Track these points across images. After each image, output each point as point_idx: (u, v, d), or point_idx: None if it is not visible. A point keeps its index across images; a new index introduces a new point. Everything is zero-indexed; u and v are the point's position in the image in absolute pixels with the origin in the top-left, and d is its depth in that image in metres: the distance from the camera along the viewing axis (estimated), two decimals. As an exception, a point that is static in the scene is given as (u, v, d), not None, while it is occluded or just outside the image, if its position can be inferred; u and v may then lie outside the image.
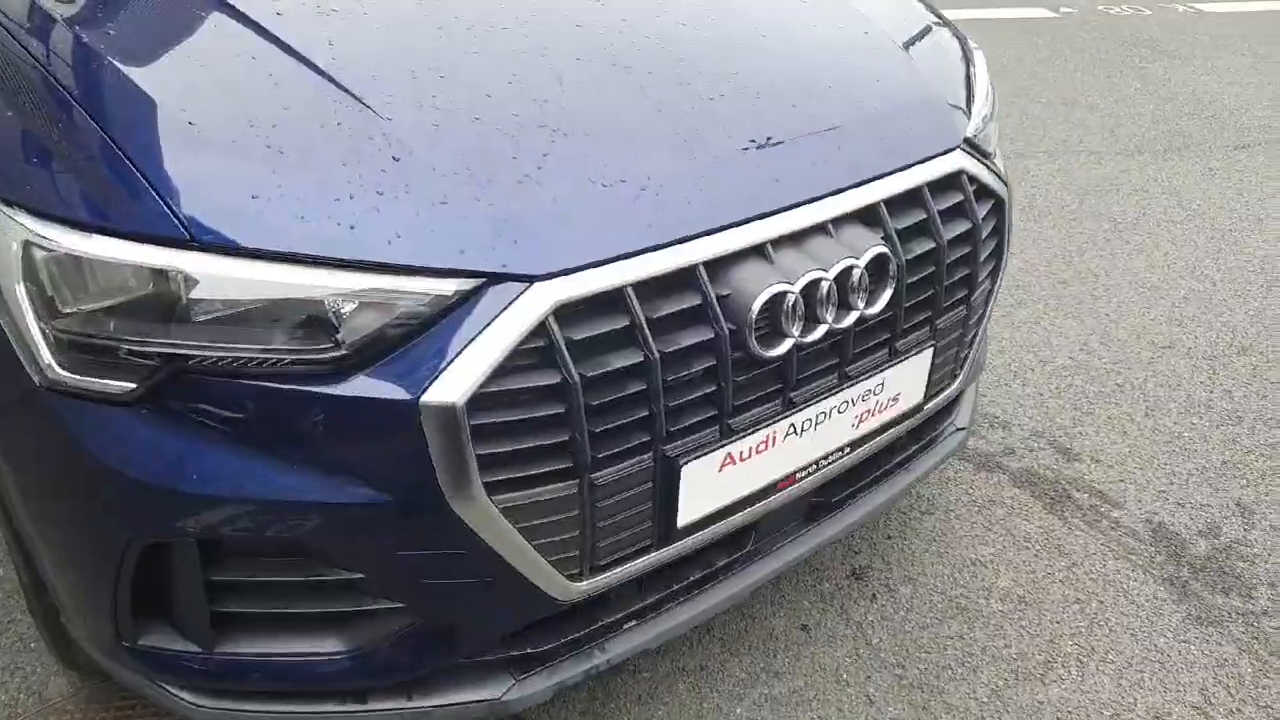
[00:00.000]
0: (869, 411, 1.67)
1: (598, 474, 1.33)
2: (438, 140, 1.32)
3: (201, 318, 1.19)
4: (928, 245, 1.64)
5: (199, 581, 1.30)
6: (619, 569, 1.44)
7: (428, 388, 1.20)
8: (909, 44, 1.88)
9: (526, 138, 1.36)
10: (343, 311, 1.21)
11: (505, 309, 1.23)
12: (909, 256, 1.60)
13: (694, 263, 1.36)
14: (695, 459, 1.42)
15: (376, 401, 1.20)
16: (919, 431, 1.95)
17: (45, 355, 1.21)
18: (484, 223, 1.26)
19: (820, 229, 1.50)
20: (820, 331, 1.48)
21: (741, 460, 1.49)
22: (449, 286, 1.23)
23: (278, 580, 1.31)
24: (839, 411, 1.61)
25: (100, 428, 1.23)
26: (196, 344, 1.19)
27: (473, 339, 1.22)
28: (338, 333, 1.21)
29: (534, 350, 1.25)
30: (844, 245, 1.50)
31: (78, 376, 1.21)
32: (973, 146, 1.80)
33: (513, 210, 1.28)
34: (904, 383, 1.71)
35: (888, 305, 1.58)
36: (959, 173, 1.71)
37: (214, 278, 1.18)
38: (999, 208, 1.83)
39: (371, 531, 1.27)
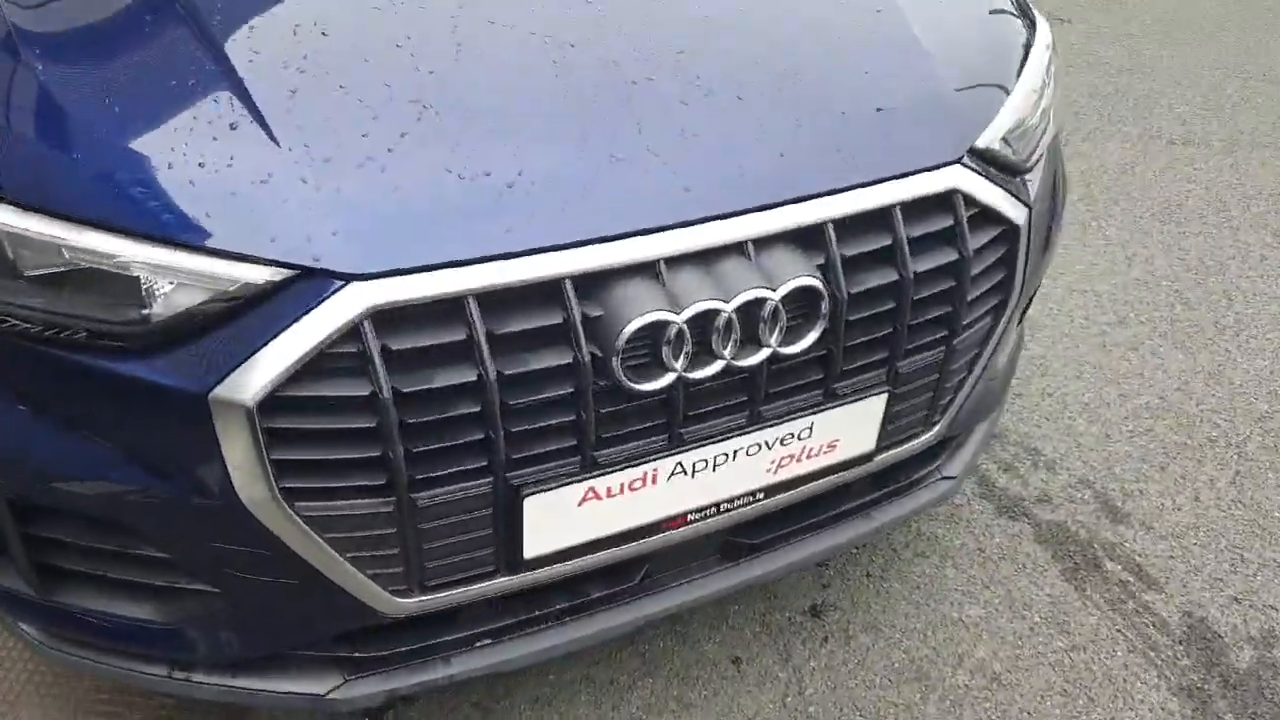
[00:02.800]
0: (791, 456, 1.47)
1: (419, 494, 1.22)
2: (286, 108, 1.20)
3: (16, 276, 1.15)
4: (888, 277, 1.40)
5: (16, 535, 1.28)
6: (456, 590, 1.34)
7: (219, 382, 1.11)
8: (932, 27, 1.59)
9: (389, 113, 1.22)
10: (153, 288, 1.13)
11: (312, 308, 1.12)
12: (858, 289, 1.37)
13: (558, 275, 1.20)
14: (545, 491, 1.28)
15: (169, 389, 1.13)
16: (882, 478, 1.73)
17: None
18: (305, 208, 1.14)
19: (735, 249, 1.30)
20: (715, 368, 1.29)
21: (609, 496, 1.34)
22: (259, 275, 1.13)
23: (94, 545, 1.29)
24: (748, 454, 1.42)
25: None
26: (9, 300, 1.15)
27: (274, 336, 1.12)
28: (145, 309, 1.14)
29: (345, 355, 1.14)
30: (760, 272, 1.29)
31: None
32: (985, 161, 1.52)
33: (341, 196, 1.15)
34: (844, 428, 1.49)
35: (818, 344, 1.37)
36: (951, 193, 1.45)
37: (28, 237, 1.13)
38: (1010, 236, 1.55)
39: (173, 517, 1.22)
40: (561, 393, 1.23)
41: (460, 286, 1.16)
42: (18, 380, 1.19)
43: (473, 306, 1.16)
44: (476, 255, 1.17)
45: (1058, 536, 2.22)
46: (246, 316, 1.13)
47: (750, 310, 1.28)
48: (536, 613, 1.46)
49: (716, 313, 1.25)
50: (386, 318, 1.14)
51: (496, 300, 1.18)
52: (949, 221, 1.45)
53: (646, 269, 1.25)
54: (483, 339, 1.17)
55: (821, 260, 1.35)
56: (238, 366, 1.11)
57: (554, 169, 1.24)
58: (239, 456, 1.14)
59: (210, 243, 1.12)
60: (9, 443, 1.20)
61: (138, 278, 1.13)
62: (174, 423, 1.14)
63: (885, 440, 1.57)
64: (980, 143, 1.52)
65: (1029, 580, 2.11)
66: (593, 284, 1.23)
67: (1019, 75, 1.66)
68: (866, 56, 1.53)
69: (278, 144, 1.16)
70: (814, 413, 1.44)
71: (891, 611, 2.02)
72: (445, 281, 1.15)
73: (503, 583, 1.36)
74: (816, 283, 1.31)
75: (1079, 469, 2.40)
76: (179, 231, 1.12)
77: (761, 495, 1.48)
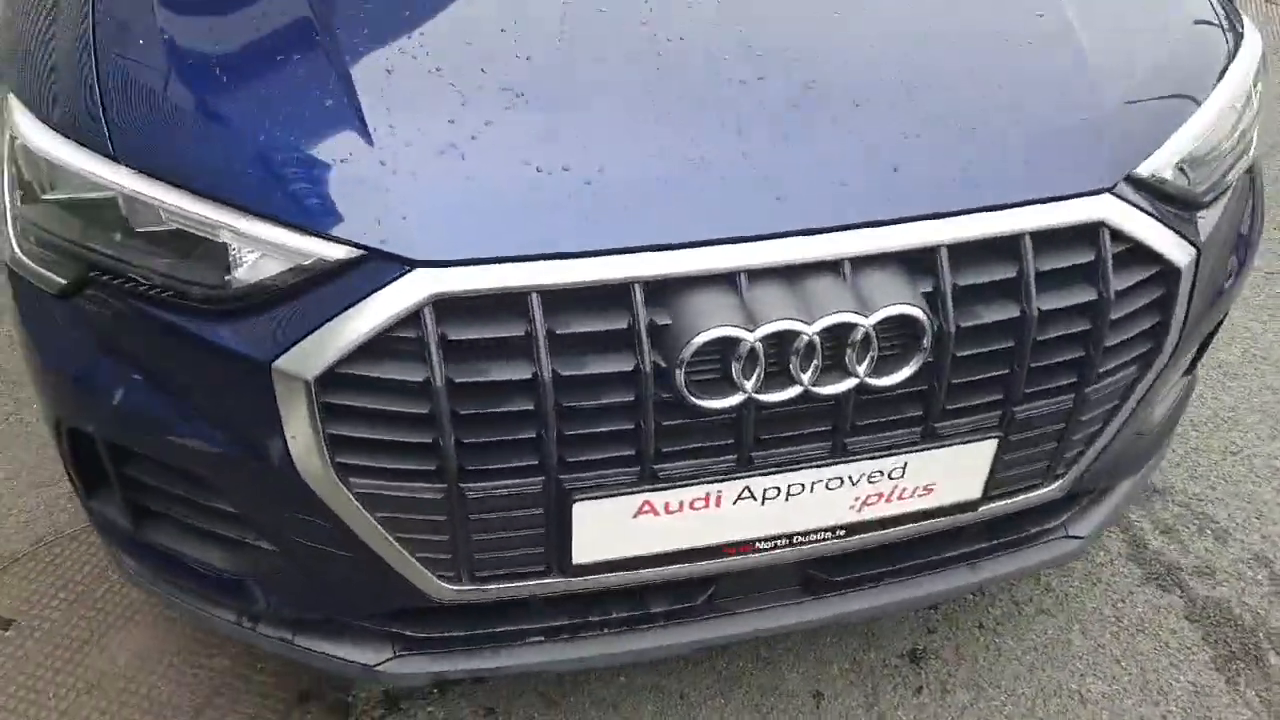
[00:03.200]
0: (879, 495, 1.35)
1: (469, 485, 1.20)
2: (380, 89, 1.19)
3: (123, 233, 1.21)
4: (1008, 313, 1.26)
5: (112, 472, 1.37)
6: (505, 584, 1.32)
7: (283, 353, 1.13)
8: (1103, 34, 1.39)
9: (479, 99, 1.19)
10: (237, 255, 1.16)
11: (376, 290, 1.11)
12: (970, 323, 1.24)
13: (626, 279, 1.14)
14: (598, 498, 1.23)
15: (238, 355, 1.15)
16: (994, 529, 1.56)
17: (11, 236, 1.30)
18: (379, 190, 1.13)
19: (828, 268, 1.19)
20: (791, 393, 1.19)
21: (668, 512, 1.27)
22: (332, 252, 1.13)
23: (175, 492, 1.35)
24: (827, 488, 1.31)
25: (37, 311, 1.31)
26: (114, 255, 1.21)
27: (338, 314, 1.12)
28: (228, 275, 1.17)
29: (404, 340, 1.13)
30: (853, 295, 1.18)
31: (29, 261, 1.28)
32: (1147, 191, 1.33)
33: (416, 182, 1.13)
34: (944, 472, 1.35)
35: (916, 378, 1.24)
36: (1095, 225, 1.27)
37: (137, 198, 1.19)
38: (1167, 278, 1.35)
39: (240, 477, 1.25)
40: (620, 400, 1.17)
41: (523, 282, 1.12)
42: (118, 334, 1.26)
43: (535, 303, 1.13)
44: (544, 251, 1.12)
45: (1215, 616, 1.96)
46: (316, 292, 1.14)
47: (838, 335, 1.18)
48: (590, 619, 1.42)
49: (797, 334, 1.16)
50: (448, 306, 1.12)
51: (561, 299, 1.14)
52: (1090, 257, 1.28)
53: (724, 280, 1.17)
54: (542, 337, 1.13)
55: (929, 288, 1.22)
56: (301, 340, 1.12)
57: (638, 168, 1.18)
58: (297, 427, 1.16)
59: (289, 217, 1.14)
60: (107, 389, 1.27)
61: (224, 244, 1.16)
62: (241, 388, 1.17)
63: (994, 489, 1.41)
64: (1143, 170, 1.33)
65: (1170, 661, 1.87)
66: (664, 291, 1.16)
67: (1212, 92, 1.44)
68: (1013, 66, 1.36)
69: (365, 125, 1.16)
70: (908, 452, 1.31)
71: (999, 671, 1.84)
72: (508, 275, 1.12)
73: (552, 584, 1.32)
74: (918, 312, 1.18)
75: (1256, 543, 2.10)
76: (262, 203, 1.14)
77: (843, 533, 1.37)
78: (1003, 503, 1.45)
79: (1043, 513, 1.58)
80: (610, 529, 1.27)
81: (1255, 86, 1.54)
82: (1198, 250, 1.37)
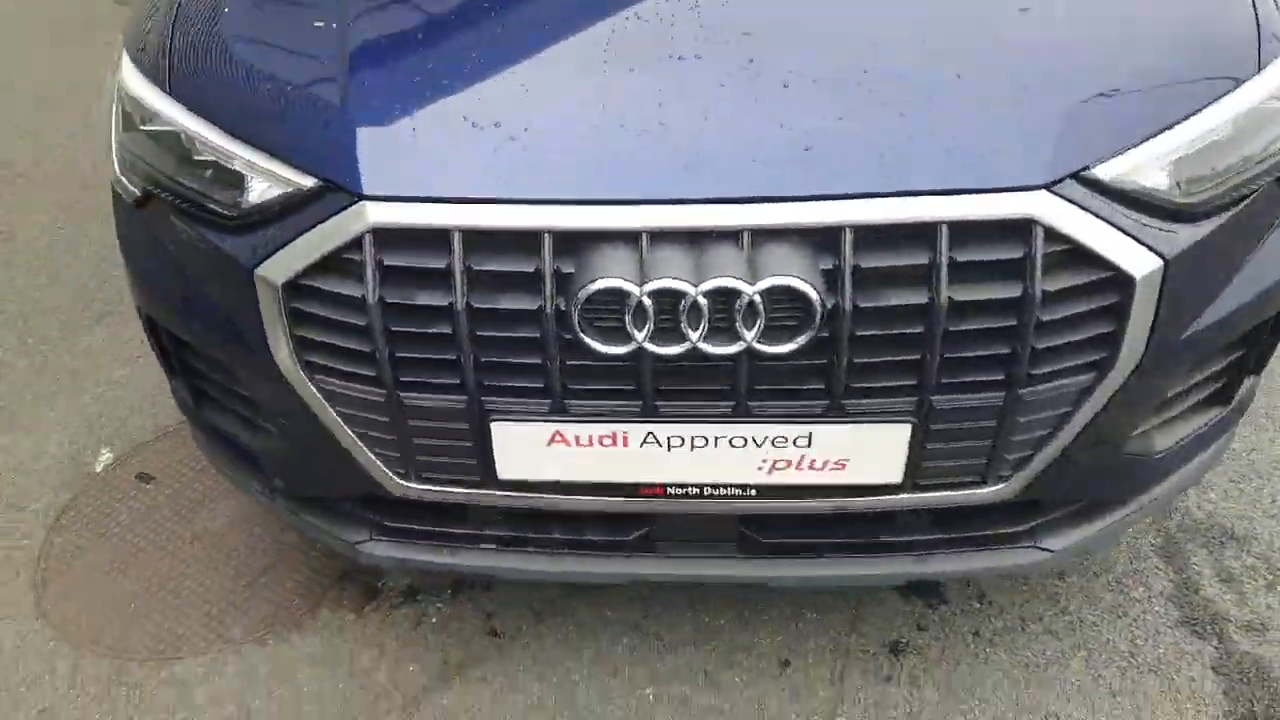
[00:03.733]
0: (786, 461, 1.40)
1: (404, 394, 1.39)
2: (368, 44, 1.41)
3: (173, 157, 1.50)
4: (917, 299, 1.27)
5: (173, 356, 1.69)
6: (447, 488, 1.50)
7: (262, 262, 1.38)
8: (1090, 29, 1.34)
9: (429, 67, 1.38)
10: (248, 181, 1.42)
11: (332, 216, 1.33)
12: (872, 304, 1.27)
13: (536, 228, 1.28)
14: (512, 421, 1.38)
15: (236, 262, 1.41)
16: (945, 522, 1.55)
17: (115, 158, 1.64)
18: (346, 133, 1.34)
19: (727, 237, 1.27)
20: (679, 349, 1.29)
21: (579, 444, 1.40)
22: (306, 182, 1.36)
23: (214, 377, 1.65)
24: (731, 445, 1.39)
25: (125, 219, 1.65)
26: (166, 174, 1.51)
27: (303, 233, 1.35)
28: (241, 196, 1.43)
29: (351, 261, 1.34)
30: (744, 264, 1.25)
31: (121, 178, 1.61)
32: (1106, 193, 1.28)
33: (370, 132, 1.34)
34: (857, 450, 1.38)
35: (814, 352, 1.29)
36: (1027, 222, 1.25)
37: (185, 131, 1.48)
38: (1118, 286, 1.30)
39: (246, 365, 1.52)
40: (527, 335, 1.32)
41: (447, 221, 1.29)
42: (170, 240, 1.56)
43: (456, 240, 1.30)
44: (466, 196, 1.29)
45: (1248, 673, 1.79)
46: (295, 216, 1.37)
47: (726, 299, 1.26)
48: (532, 534, 1.58)
49: (683, 294, 1.25)
50: (385, 236, 1.32)
51: (479, 239, 1.30)
52: (1020, 253, 1.27)
53: (628, 238, 1.28)
54: (459, 271, 1.30)
55: (830, 265, 1.27)
56: (276, 252, 1.37)
57: (561, 128, 1.31)
58: (272, 327, 1.40)
59: (281, 152, 1.38)
60: (164, 285, 1.59)
61: (240, 172, 1.42)
62: (240, 290, 1.42)
63: (920, 477, 1.42)
64: (1102, 172, 1.28)
65: (1175, 708, 1.75)
66: (572, 242, 1.29)
67: (1221, 99, 1.35)
68: (965, 55, 1.36)
69: (341, 87, 1.38)
70: (814, 423, 1.36)
71: (978, 678, 1.80)
72: (435, 214, 1.29)
73: (487, 494, 1.49)
74: (804, 286, 1.24)
75: (1331, 606, 1.89)
76: (266, 141, 1.40)
77: (754, 492, 1.44)
78: (936, 494, 1.45)
79: (1000, 515, 1.55)
80: (527, 451, 1.42)
81: None
82: (1164, 261, 1.30)
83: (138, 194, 1.57)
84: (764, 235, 1.27)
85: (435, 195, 1.30)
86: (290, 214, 1.38)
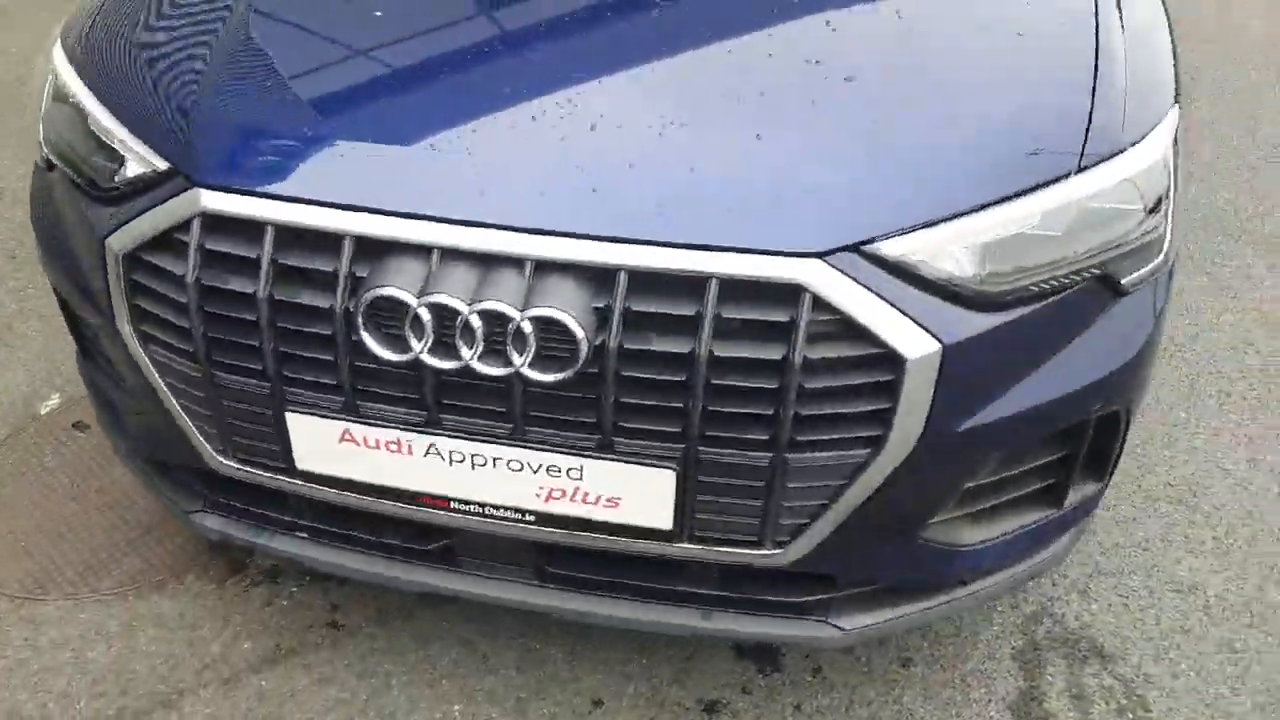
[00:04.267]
0: (561, 491, 1.42)
1: (215, 373, 1.47)
2: (238, 51, 1.52)
3: (75, 131, 1.62)
4: (680, 347, 1.29)
5: (62, 312, 1.82)
6: (257, 470, 1.56)
7: (111, 233, 1.48)
8: (903, 106, 1.36)
9: (288, 68, 1.48)
10: (125, 158, 1.53)
11: (171, 198, 1.43)
12: (637, 346, 1.30)
13: (338, 231, 1.35)
14: (305, 414, 1.45)
15: (98, 230, 1.52)
16: (731, 582, 1.54)
17: (41, 127, 1.77)
18: (194, 126, 1.45)
19: (511, 263, 1.32)
20: (452, 364, 1.33)
21: (367, 446, 1.45)
22: (160, 164, 1.47)
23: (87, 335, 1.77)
24: (509, 468, 1.42)
25: (39, 184, 1.78)
26: (68, 145, 1.63)
27: (146, 211, 1.45)
28: (118, 172, 1.54)
29: (179, 241, 1.43)
30: (519, 291, 1.29)
31: (42, 145, 1.75)
32: (889, 269, 1.29)
33: (213, 127, 1.44)
34: (628, 490, 1.40)
35: (581, 385, 1.32)
36: (795, 288, 1.27)
37: (82, 107, 1.60)
38: (888, 364, 1.29)
39: (102, 328, 1.62)
40: (323, 332, 1.39)
41: (262, 214, 1.37)
42: (62, 210, 1.68)
43: (268, 234, 1.38)
44: (282, 194, 1.37)
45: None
46: (147, 194, 1.47)
47: (499, 323, 1.30)
48: (340, 530, 1.64)
49: (457, 312, 1.30)
50: (211, 222, 1.41)
51: (289, 235, 1.38)
52: (787, 317, 1.28)
53: (419, 251, 1.34)
54: (266, 262, 1.38)
55: (602, 304, 1.30)
56: (124, 225, 1.47)
57: (375, 141, 1.39)
58: (115, 294, 1.50)
59: (144, 136, 1.50)
60: (53, 250, 1.70)
61: (119, 150, 1.54)
62: (94, 257, 1.53)
63: (691, 528, 1.43)
64: (886, 247, 1.29)
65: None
66: (370, 248, 1.35)
67: (1049, 185, 1.35)
68: (778, 118, 1.39)
69: (212, 78, 1.50)
70: (584, 456, 1.39)
71: (786, 751, 1.77)
72: (253, 207, 1.38)
73: (289, 483, 1.55)
74: (568, 320, 1.27)
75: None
76: (136, 124, 1.52)
77: (532, 519, 1.46)
78: (711, 548, 1.46)
79: (792, 584, 1.54)
80: (321, 446, 1.48)
81: (1157, 180, 1.41)
82: (943, 346, 1.30)
83: (50, 161, 1.71)
84: (546, 267, 1.32)
85: (255, 189, 1.39)
86: (144, 192, 1.48)
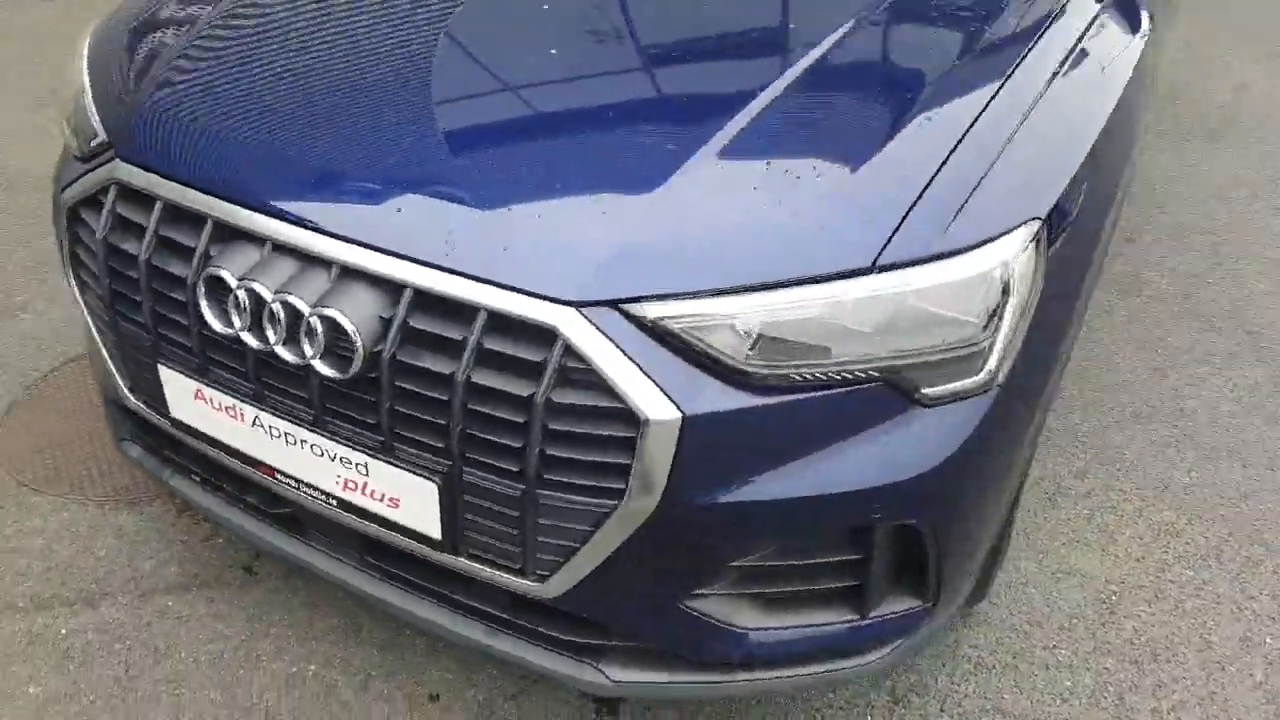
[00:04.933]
0: (353, 483, 1.52)
1: (119, 320, 1.69)
2: (191, 50, 1.76)
3: (77, 108, 1.91)
4: (443, 368, 1.37)
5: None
6: (147, 410, 1.77)
7: (65, 189, 1.74)
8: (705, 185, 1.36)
9: (214, 69, 1.68)
10: (97, 130, 1.80)
11: (101, 165, 1.66)
12: (409, 359, 1.39)
13: (203, 213, 1.52)
14: (172, 369, 1.63)
15: (62, 185, 1.78)
16: (519, 609, 1.58)
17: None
18: (127, 108, 1.70)
19: (324, 264, 1.44)
20: (258, 344, 1.47)
21: (213, 407, 1.62)
22: (104, 136, 1.71)
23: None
24: (314, 452, 1.54)
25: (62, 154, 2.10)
26: (69, 118, 1.92)
27: (88, 173, 1.69)
28: (91, 141, 1.80)
29: (100, 204, 1.66)
30: (319, 289, 1.41)
31: (65, 124, 2.06)
32: (640, 325, 1.31)
33: (143, 109, 1.67)
34: (404, 493, 1.49)
35: (360, 386, 1.42)
36: (550, 332, 1.31)
37: (80, 88, 1.88)
38: (634, 424, 1.30)
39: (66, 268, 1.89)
40: (180, 299, 1.57)
41: (154, 190, 1.58)
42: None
43: (157, 208, 1.58)
44: (170, 175, 1.57)
45: None
46: (94, 160, 1.72)
47: (296, 315, 1.42)
48: (213, 480, 1.82)
49: (263, 298, 1.44)
50: (122, 191, 1.63)
51: (172, 210, 1.57)
52: (541, 358, 1.32)
53: (256, 241, 1.49)
54: (151, 231, 1.57)
55: (388, 315, 1.39)
56: (72, 183, 1.73)
57: (246, 139, 1.55)
58: (66, 240, 1.76)
59: (102, 111, 1.76)
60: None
61: (93, 125, 1.80)
62: (59, 210, 1.81)
63: (458, 542, 1.49)
64: (648, 308, 1.30)
65: None
66: (226, 232, 1.52)
67: (839, 276, 1.31)
68: (581, 168, 1.44)
69: (158, 71, 1.74)
70: (368, 454, 1.48)
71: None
72: (149, 183, 1.58)
73: (167, 428, 1.75)
74: (345, 323, 1.37)
75: None
76: (103, 103, 1.78)
77: (334, 503, 1.57)
78: (475, 564, 1.51)
79: (562, 621, 1.56)
80: (184, 399, 1.66)
81: (975, 316, 1.34)
82: (683, 416, 1.29)
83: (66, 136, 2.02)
84: (349, 273, 1.43)
85: (154, 168, 1.60)
86: (94, 158, 1.73)
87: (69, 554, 2.21)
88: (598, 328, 1.31)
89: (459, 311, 1.37)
